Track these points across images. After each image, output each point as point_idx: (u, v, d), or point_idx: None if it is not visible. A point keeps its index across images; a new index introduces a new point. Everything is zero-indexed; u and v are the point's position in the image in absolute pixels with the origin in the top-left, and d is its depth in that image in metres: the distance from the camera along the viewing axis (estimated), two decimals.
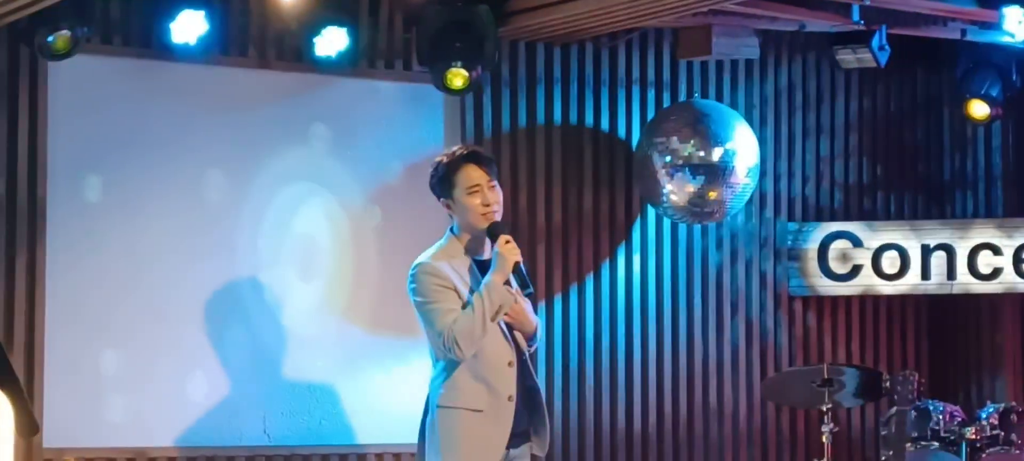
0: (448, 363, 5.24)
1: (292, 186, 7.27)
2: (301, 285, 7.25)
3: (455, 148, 5.43)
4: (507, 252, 5.16)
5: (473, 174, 5.26)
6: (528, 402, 5.33)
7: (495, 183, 5.30)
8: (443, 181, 5.29)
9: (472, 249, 5.29)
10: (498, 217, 5.32)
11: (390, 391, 7.24)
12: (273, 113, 7.22)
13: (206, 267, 7.08)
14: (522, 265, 5.19)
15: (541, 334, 5.48)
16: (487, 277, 5.17)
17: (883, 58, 7.42)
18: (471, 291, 5.20)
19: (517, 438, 5.29)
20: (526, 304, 5.32)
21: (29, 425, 3.45)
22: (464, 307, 5.17)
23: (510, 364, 5.22)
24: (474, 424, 5.19)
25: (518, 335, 5.31)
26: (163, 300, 7.00)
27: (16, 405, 3.40)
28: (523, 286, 5.18)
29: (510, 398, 5.20)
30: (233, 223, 7.15)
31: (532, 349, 5.37)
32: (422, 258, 5.28)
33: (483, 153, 5.39)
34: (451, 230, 5.36)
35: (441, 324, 5.15)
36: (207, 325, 7.08)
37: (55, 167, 6.79)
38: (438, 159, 5.36)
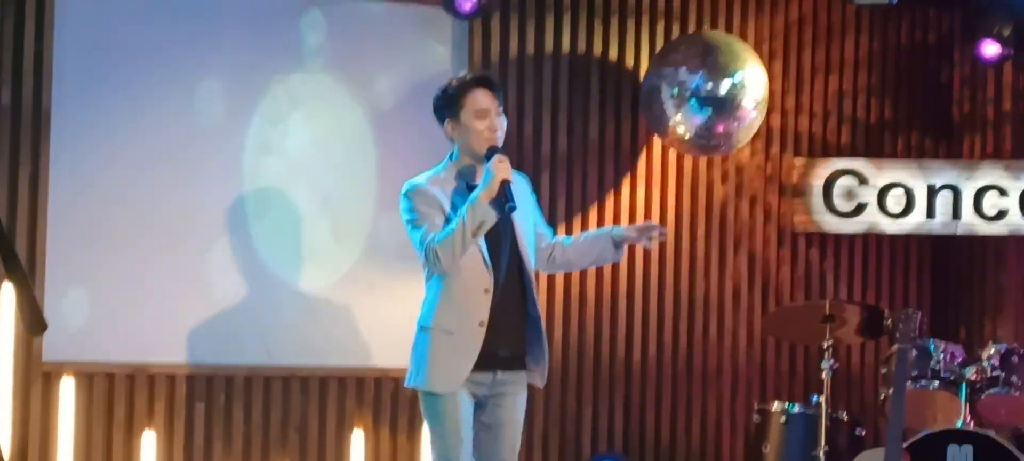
0: (432, 286, 5.36)
1: (296, 105, 7.26)
2: (304, 205, 7.27)
3: (464, 73, 5.48)
4: (496, 168, 5.18)
5: (483, 99, 5.32)
6: (528, 330, 5.41)
7: (502, 111, 5.37)
8: (451, 101, 5.35)
9: (468, 174, 5.36)
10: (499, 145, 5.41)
11: (392, 313, 7.24)
12: (279, 32, 7.21)
13: (209, 184, 7.10)
14: (510, 184, 5.19)
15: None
16: (474, 193, 5.21)
17: None
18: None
19: (506, 361, 5.37)
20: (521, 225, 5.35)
21: (36, 320, 3.39)
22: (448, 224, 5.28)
23: (486, 291, 5.29)
24: (442, 345, 5.31)
25: (515, 264, 5.33)
26: (166, 216, 7.02)
27: (22, 298, 3.36)
28: (504, 202, 5.18)
29: (481, 323, 5.27)
30: (237, 140, 7.15)
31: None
32: (413, 179, 5.40)
33: (495, 79, 5.43)
34: (450, 156, 5.42)
35: (423, 238, 5.25)
36: (210, 242, 7.09)
37: (61, 77, 6.78)
38: (448, 81, 5.43)
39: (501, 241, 5.34)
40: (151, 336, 6.99)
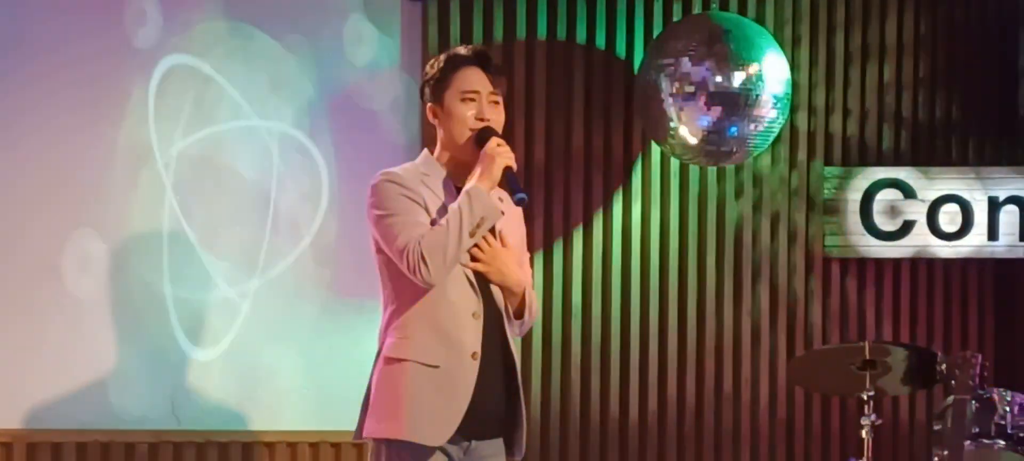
0: (399, 308, 5.16)
1: (210, 112, 7.29)
2: (221, 236, 7.29)
3: (461, 47, 5.39)
4: (498, 152, 5.07)
5: (472, 78, 5.19)
6: (507, 380, 5.25)
7: (499, 99, 5.23)
8: (436, 82, 5.23)
9: (453, 173, 5.22)
10: None
11: (330, 366, 7.31)
12: (184, 19, 7.23)
13: (104, 211, 7.09)
14: (514, 172, 5.11)
15: (536, 313, 5.37)
16: (471, 181, 5.08)
17: None
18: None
19: (489, 425, 5.20)
20: (514, 256, 5.24)
21: None
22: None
23: (475, 316, 5.13)
24: (425, 382, 5.09)
25: (495, 291, 5.22)
26: (48, 252, 7.01)
27: None
28: (512, 193, 5.12)
29: (474, 355, 5.09)
30: (135, 155, 7.14)
31: (517, 327, 5.28)
32: (388, 169, 5.21)
33: (493, 59, 5.29)
34: (429, 151, 5.31)
35: (405, 238, 5.05)
36: (103, 284, 7.10)
37: None
38: (436, 57, 5.34)
39: None
40: (31, 397, 6.99)
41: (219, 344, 7.28)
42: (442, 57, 5.27)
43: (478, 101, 5.18)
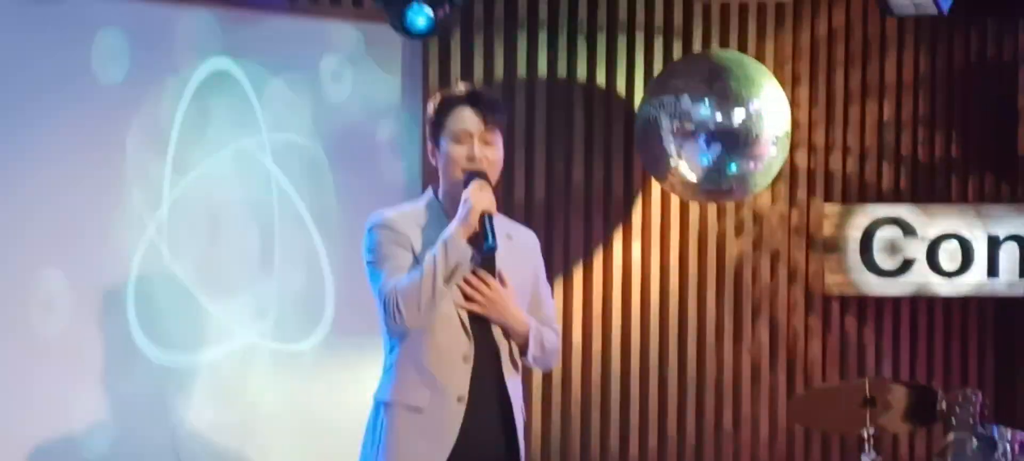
0: (395, 352, 5.24)
1: (210, 153, 7.26)
2: (225, 282, 7.26)
3: (460, 84, 5.43)
4: (475, 198, 5.13)
5: (465, 119, 5.26)
6: (504, 422, 5.28)
7: (494, 139, 5.29)
8: (434, 123, 5.31)
9: (452, 212, 5.25)
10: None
11: (340, 412, 7.24)
12: (184, 60, 7.18)
13: (105, 259, 7.05)
14: (491, 218, 5.12)
15: (553, 346, 5.39)
16: (448, 228, 5.13)
17: (946, 3, 7.27)
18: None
19: None
20: (514, 296, 5.27)
21: None
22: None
23: (465, 359, 5.19)
24: (410, 426, 5.17)
25: (495, 332, 5.26)
26: (49, 298, 6.94)
27: None
28: (484, 239, 5.11)
29: (459, 399, 5.14)
30: (138, 200, 7.09)
31: (525, 361, 5.32)
32: (380, 211, 5.32)
33: (488, 97, 5.35)
34: (433, 190, 5.36)
35: (385, 284, 5.16)
36: (105, 335, 7.04)
37: None
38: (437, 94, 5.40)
39: None
40: (24, 453, 6.89)
41: (221, 388, 7.24)
42: (439, 96, 5.35)
43: (470, 142, 5.24)
